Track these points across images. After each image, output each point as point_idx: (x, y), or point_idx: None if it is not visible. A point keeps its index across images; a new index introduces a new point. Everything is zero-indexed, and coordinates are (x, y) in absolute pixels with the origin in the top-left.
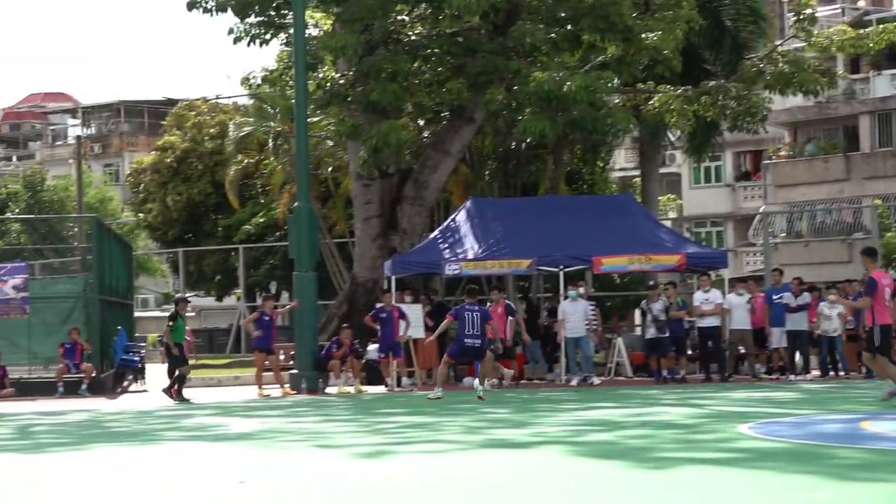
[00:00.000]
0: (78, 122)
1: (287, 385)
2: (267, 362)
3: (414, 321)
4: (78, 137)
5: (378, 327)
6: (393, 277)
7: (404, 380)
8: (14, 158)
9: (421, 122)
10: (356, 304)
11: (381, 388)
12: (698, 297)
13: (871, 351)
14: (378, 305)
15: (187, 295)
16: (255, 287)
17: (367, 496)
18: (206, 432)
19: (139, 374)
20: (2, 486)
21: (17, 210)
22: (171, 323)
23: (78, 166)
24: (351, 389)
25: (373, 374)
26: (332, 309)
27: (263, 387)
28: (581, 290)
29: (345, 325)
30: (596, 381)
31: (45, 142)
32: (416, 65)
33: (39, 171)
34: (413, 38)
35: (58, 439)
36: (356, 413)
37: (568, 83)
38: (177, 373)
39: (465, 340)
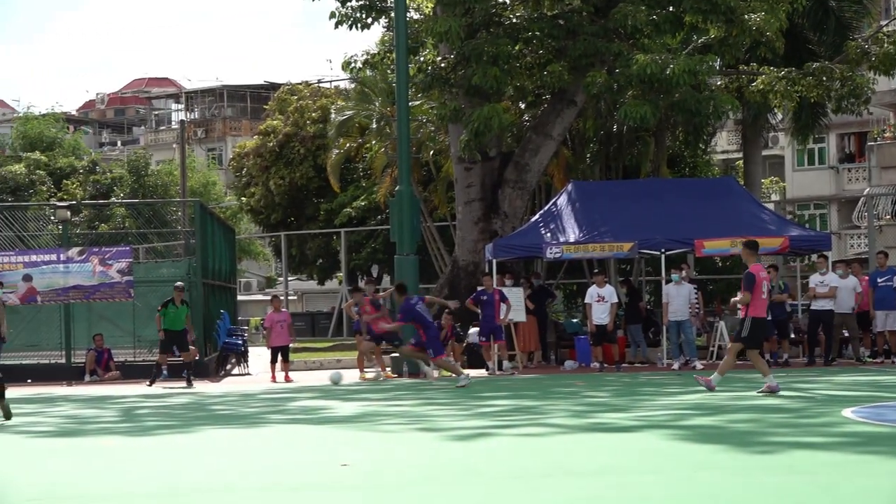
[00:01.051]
0: (181, 106)
1: (388, 368)
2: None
3: (515, 304)
4: (181, 122)
5: (479, 310)
6: (494, 261)
7: (505, 363)
8: (119, 143)
9: (522, 105)
10: (457, 287)
11: (482, 372)
12: (814, 279)
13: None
14: (479, 289)
15: (290, 278)
16: (357, 270)
17: (468, 479)
18: (309, 415)
19: (242, 357)
20: (117, 464)
21: (121, 195)
22: (160, 309)
23: (181, 151)
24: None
25: (474, 358)
26: (433, 292)
27: (365, 370)
28: (683, 273)
29: (446, 308)
30: (699, 364)
31: (150, 126)
32: (517, 48)
33: (144, 156)
34: (514, 20)
35: (163, 422)
36: (457, 396)
37: (670, 65)
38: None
39: None
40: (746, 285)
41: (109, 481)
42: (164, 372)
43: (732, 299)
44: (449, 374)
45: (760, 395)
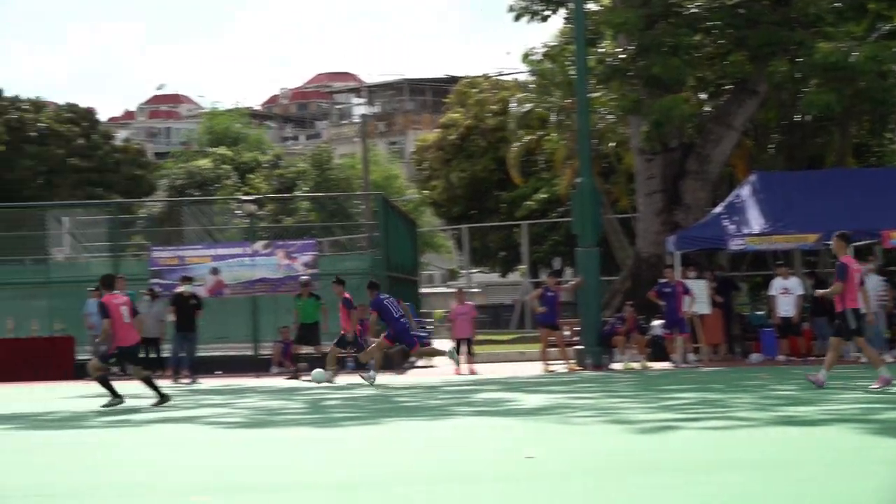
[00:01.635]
0: (363, 100)
1: (572, 361)
2: (552, 338)
3: (698, 296)
4: (363, 116)
5: (662, 303)
6: (677, 253)
7: (690, 356)
8: (302, 137)
9: (703, 96)
10: (640, 279)
11: (666, 365)
12: None
13: (847, 336)
14: (662, 281)
15: (472, 271)
16: (538, 263)
17: (653, 472)
18: (495, 407)
19: None
20: (301, 455)
21: (305, 188)
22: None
23: (363, 144)
24: (636, 365)
25: (658, 350)
26: (615, 285)
27: (548, 362)
28: (871, 265)
29: (629, 300)
30: (889, 357)
31: (332, 121)
32: (697, 38)
33: (326, 150)
34: (693, 10)
35: (350, 413)
36: (641, 389)
37: (854, 54)
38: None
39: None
40: (840, 276)
41: (295, 472)
42: (350, 364)
43: (820, 291)
44: (635, 368)
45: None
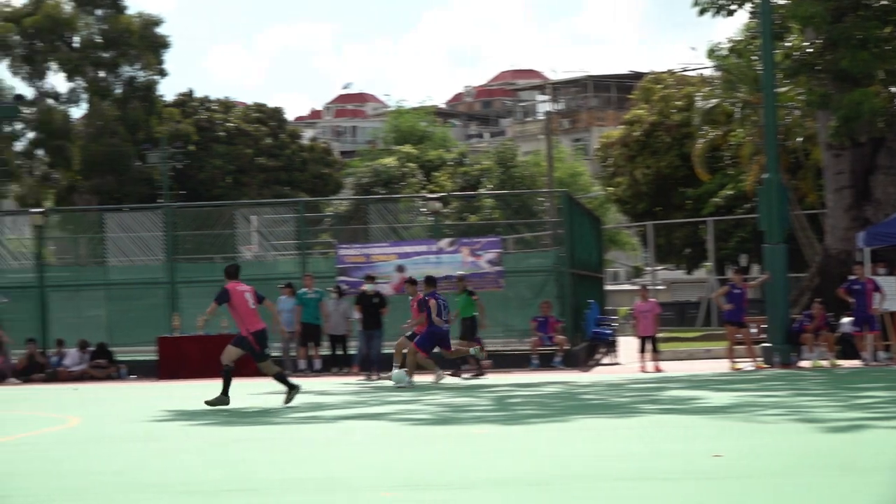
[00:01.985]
0: (547, 97)
1: (759, 358)
2: (738, 335)
3: (889, 293)
4: (547, 113)
5: (852, 300)
6: (866, 249)
7: (880, 354)
8: (486, 135)
9: (893, 90)
10: (829, 276)
11: (856, 363)
12: None
13: None
14: (851, 278)
15: (657, 268)
16: (724, 260)
17: (842, 471)
18: (681, 405)
19: (611, 346)
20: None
21: (489, 186)
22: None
23: (548, 141)
24: (825, 363)
25: (847, 348)
26: (804, 281)
27: (735, 360)
28: None
29: (817, 298)
30: None
31: (516, 118)
32: (887, 30)
33: (510, 147)
34: (884, 2)
35: (536, 411)
36: (831, 387)
37: None
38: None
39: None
40: None
41: (483, 468)
42: (535, 361)
43: None
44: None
45: None
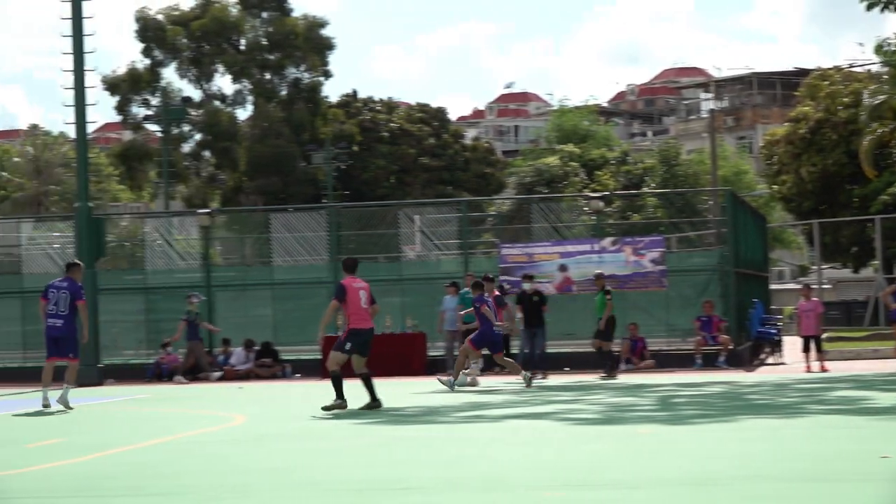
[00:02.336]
0: (710, 95)
1: None
2: None
3: None
4: (711, 111)
5: None
6: None
7: None
8: (649, 134)
9: None
10: None
11: None
12: None
13: None
14: None
15: (823, 267)
16: (893, 258)
17: None
18: (848, 406)
19: (776, 346)
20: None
21: (652, 184)
22: None
23: (711, 140)
24: None
25: None
26: None
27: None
28: None
29: None
30: None
31: (679, 116)
32: None
33: (674, 146)
34: None
35: (699, 410)
36: None
37: None
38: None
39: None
40: None
41: (642, 469)
42: (698, 361)
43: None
44: None
45: None
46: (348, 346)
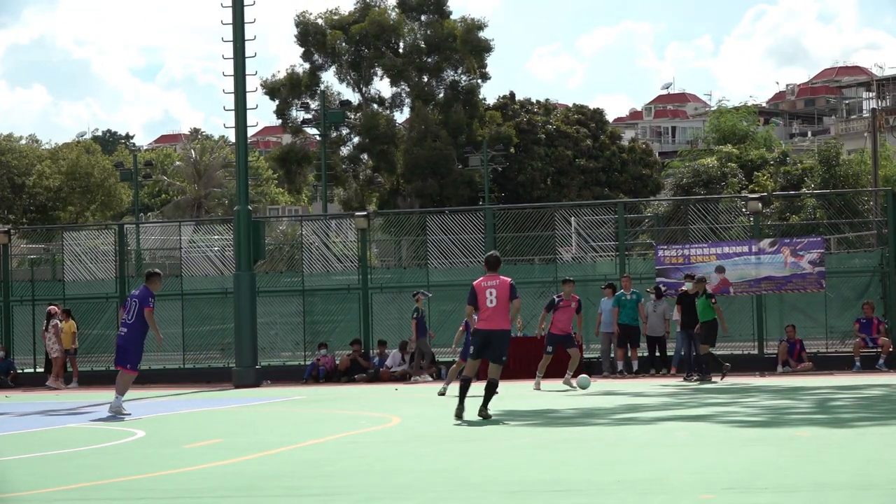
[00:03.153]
0: (872, 94)
1: None
2: None
3: None
4: (872, 110)
5: None
6: None
7: None
8: (809, 133)
9: None
10: None
11: None
12: None
13: None
14: None
15: None
16: None
17: None
18: None
19: None
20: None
21: (812, 185)
22: None
23: (873, 139)
24: None
25: None
26: None
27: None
28: None
29: None
30: None
31: (840, 116)
32: None
33: (834, 146)
34: None
35: (861, 413)
36: None
37: None
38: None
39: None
40: None
41: (801, 472)
42: (857, 363)
43: None
44: None
45: None
46: (471, 349)
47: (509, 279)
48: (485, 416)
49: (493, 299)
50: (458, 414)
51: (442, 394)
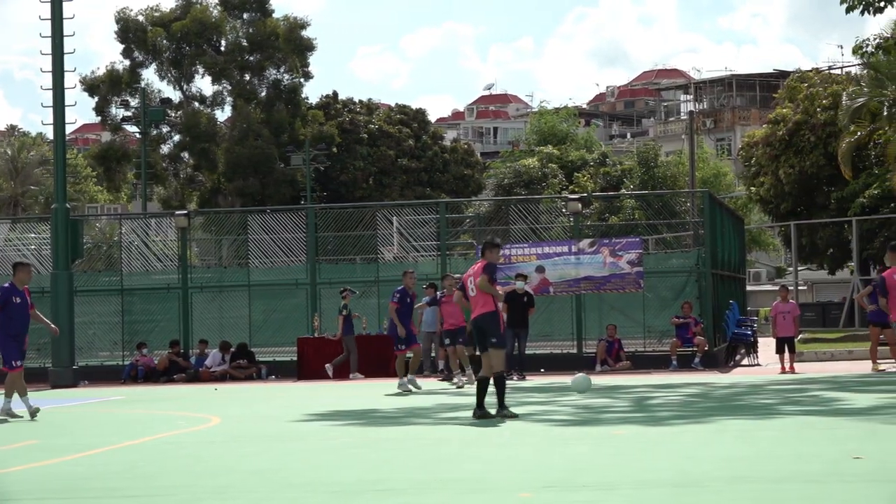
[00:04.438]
0: (690, 97)
1: None
2: (882, 336)
3: None
4: (690, 113)
5: None
6: None
7: None
8: (628, 135)
9: None
10: None
11: None
12: None
13: None
14: None
15: (800, 268)
16: (868, 260)
17: None
18: (823, 407)
19: (751, 348)
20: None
21: (631, 186)
22: None
23: (691, 141)
24: None
25: None
26: None
27: (878, 361)
28: None
29: None
30: None
31: (659, 118)
32: None
33: (653, 147)
34: None
35: (676, 412)
36: None
37: None
38: None
39: None
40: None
41: (619, 470)
42: (674, 362)
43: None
44: None
45: None
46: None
47: (484, 262)
48: (509, 416)
49: (473, 287)
50: (482, 415)
51: (402, 390)
